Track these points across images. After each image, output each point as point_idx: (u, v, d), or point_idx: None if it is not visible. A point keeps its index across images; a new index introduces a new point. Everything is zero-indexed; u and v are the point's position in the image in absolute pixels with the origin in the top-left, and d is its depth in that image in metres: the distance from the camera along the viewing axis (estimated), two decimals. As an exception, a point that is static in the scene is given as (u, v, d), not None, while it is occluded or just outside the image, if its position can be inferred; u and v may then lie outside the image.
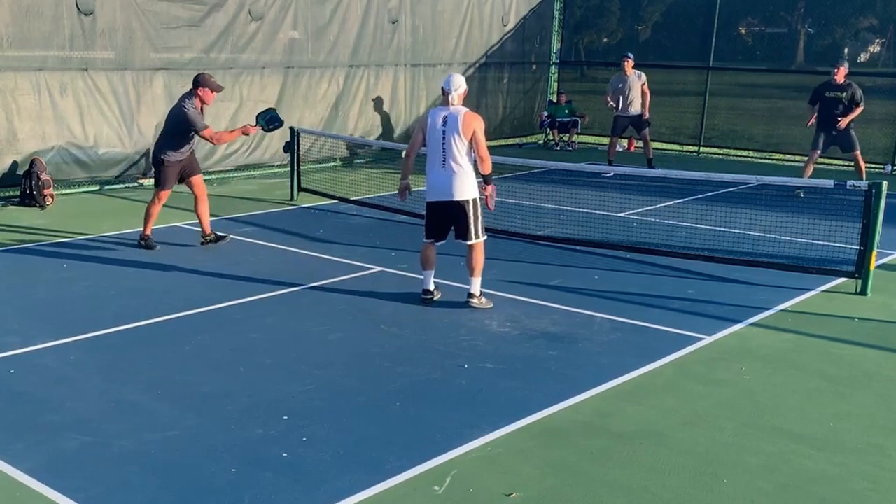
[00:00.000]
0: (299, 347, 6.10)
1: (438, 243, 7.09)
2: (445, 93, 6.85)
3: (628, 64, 13.78)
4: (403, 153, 7.47)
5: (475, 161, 6.87)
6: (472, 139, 6.74)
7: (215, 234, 8.84)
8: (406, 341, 6.26)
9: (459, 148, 6.73)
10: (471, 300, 6.95)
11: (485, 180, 6.95)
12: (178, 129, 8.39)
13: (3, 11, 10.34)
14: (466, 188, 6.78)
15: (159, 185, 8.61)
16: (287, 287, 7.48)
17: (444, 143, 6.76)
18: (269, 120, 8.91)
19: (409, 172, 7.19)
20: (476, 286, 6.97)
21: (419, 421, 4.97)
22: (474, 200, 6.82)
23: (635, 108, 13.83)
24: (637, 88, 13.80)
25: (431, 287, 7.13)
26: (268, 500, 4.08)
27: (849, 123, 11.58)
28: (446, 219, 6.94)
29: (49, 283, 7.44)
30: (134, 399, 5.17)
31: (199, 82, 8.41)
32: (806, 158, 12.09)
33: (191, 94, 8.43)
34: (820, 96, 11.86)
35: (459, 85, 6.85)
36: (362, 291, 7.40)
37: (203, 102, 8.46)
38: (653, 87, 18.64)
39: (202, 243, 8.77)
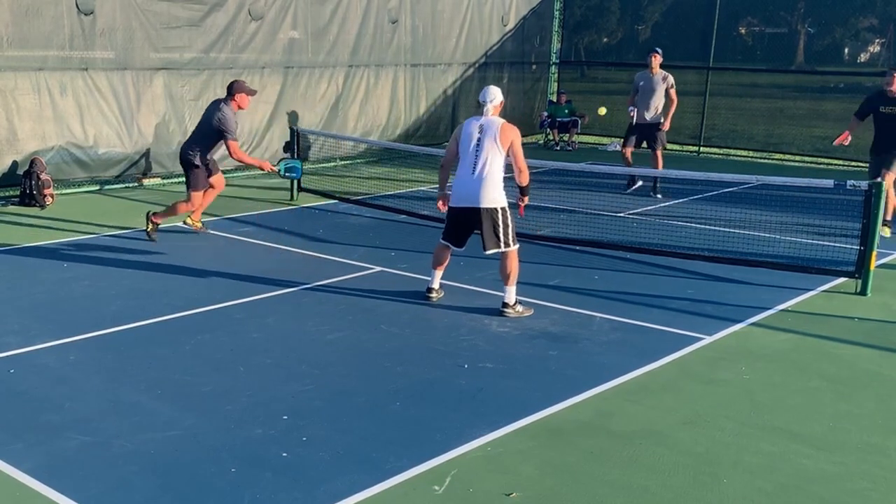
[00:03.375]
0: (299, 347, 6.10)
1: (458, 249, 7.03)
2: (481, 104, 6.81)
3: (655, 61, 11.81)
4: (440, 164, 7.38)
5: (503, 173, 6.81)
6: (509, 150, 6.69)
7: (202, 224, 9.22)
8: (406, 341, 6.26)
9: (494, 157, 6.65)
10: (505, 310, 6.80)
11: (522, 191, 6.94)
12: (212, 130, 8.62)
13: (3, 11, 10.34)
14: (496, 196, 6.67)
15: (192, 187, 8.74)
16: (287, 287, 7.48)
17: (478, 152, 6.68)
18: (289, 169, 9.51)
19: (446, 183, 7.12)
20: (511, 295, 6.82)
21: (419, 421, 4.97)
22: (503, 209, 6.71)
23: (653, 116, 11.89)
24: (660, 93, 11.83)
25: (436, 286, 7.15)
26: (268, 500, 4.08)
27: None
28: (467, 225, 6.85)
29: (49, 283, 7.44)
30: (134, 399, 5.17)
31: (234, 89, 8.66)
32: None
33: (227, 100, 8.68)
34: (873, 110, 9.76)
35: (495, 97, 6.78)
36: (362, 291, 7.40)
37: (240, 107, 8.75)
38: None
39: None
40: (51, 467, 4.34)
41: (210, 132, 8.66)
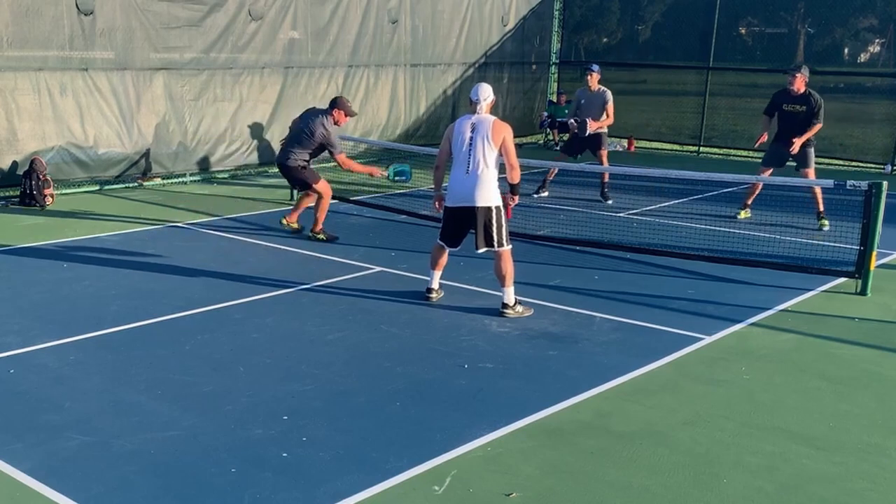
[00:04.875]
0: (299, 347, 6.10)
1: (452, 249, 7.06)
2: (473, 102, 6.78)
3: (592, 79, 11.49)
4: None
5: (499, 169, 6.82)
6: (500, 148, 6.69)
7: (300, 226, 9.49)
8: (406, 341, 6.26)
9: (487, 155, 6.64)
10: (505, 311, 6.80)
11: (512, 190, 6.90)
12: (312, 142, 8.86)
13: (3, 11, 10.35)
14: (490, 195, 6.67)
15: (311, 183, 9.01)
16: (287, 287, 7.48)
17: (471, 150, 6.67)
18: (399, 172, 9.31)
19: (441, 183, 7.10)
20: (509, 296, 6.82)
21: (419, 421, 4.96)
22: (497, 208, 6.71)
23: (595, 130, 11.45)
24: (598, 108, 11.46)
25: (435, 286, 7.16)
26: (268, 500, 4.08)
27: (805, 141, 9.95)
28: (464, 225, 6.86)
29: (49, 283, 7.44)
30: (134, 399, 5.17)
31: (336, 104, 8.94)
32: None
33: (326, 113, 8.93)
34: (777, 107, 10.23)
35: (488, 95, 6.78)
36: (362, 291, 7.40)
37: (336, 123, 9.00)
38: (653, 86, 18.77)
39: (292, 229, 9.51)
40: (51, 467, 4.34)
41: (309, 144, 8.87)
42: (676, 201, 11.79)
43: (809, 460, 4.63)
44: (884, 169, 14.99)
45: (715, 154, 16.76)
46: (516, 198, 6.99)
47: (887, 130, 15.27)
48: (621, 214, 10.79)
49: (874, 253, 7.54)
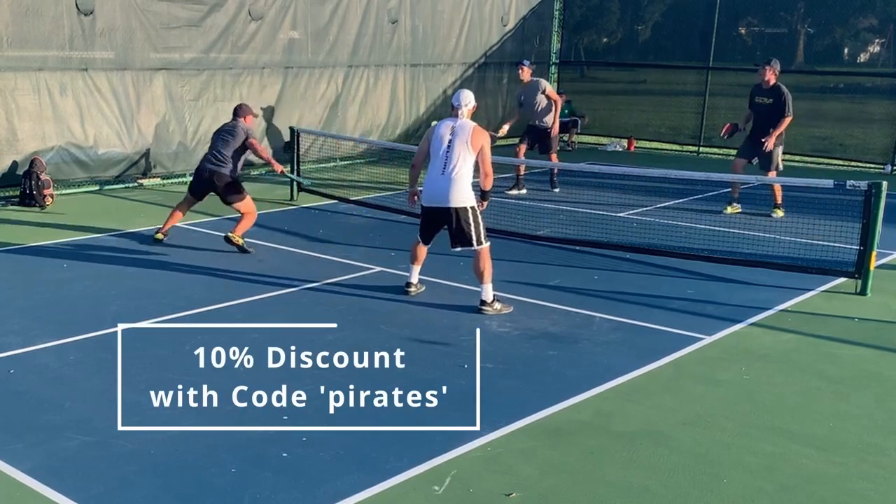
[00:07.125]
0: (299, 347, 6.08)
1: (428, 245, 7.17)
2: (455, 108, 6.91)
3: (523, 73, 12.09)
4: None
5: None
6: (478, 153, 6.80)
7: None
8: (406, 341, 6.26)
9: (465, 158, 6.75)
10: (483, 308, 6.86)
11: (483, 196, 7.05)
12: (240, 144, 8.66)
13: (3, 11, 10.34)
14: (465, 196, 6.77)
15: (242, 195, 8.66)
16: (287, 287, 7.48)
17: (448, 152, 6.77)
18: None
19: (416, 181, 7.23)
20: (487, 293, 6.88)
21: (419, 421, 4.96)
22: (473, 208, 6.81)
23: (543, 121, 11.94)
24: (540, 99, 11.88)
25: (414, 280, 7.27)
26: (268, 500, 4.08)
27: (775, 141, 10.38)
28: (438, 224, 6.97)
29: (49, 283, 7.44)
30: (134, 399, 5.16)
31: (247, 111, 8.93)
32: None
33: (238, 119, 8.83)
34: (752, 101, 10.78)
35: (469, 101, 6.91)
36: (362, 291, 7.40)
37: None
38: (653, 86, 18.77)
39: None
40: (51, 467, 4.35)
41: (238, 146, 8.69)
42: (676, 201, 11.79)
43: (809, 460, 4.63)
44: (884, 169, 14.98)
45: (715, 154, 16.74)
46: (485, 203, 7.12)
47: (887, 130, 15.26)
48: (621, 214, 10.79)
49: (874, 253, 7.54)
